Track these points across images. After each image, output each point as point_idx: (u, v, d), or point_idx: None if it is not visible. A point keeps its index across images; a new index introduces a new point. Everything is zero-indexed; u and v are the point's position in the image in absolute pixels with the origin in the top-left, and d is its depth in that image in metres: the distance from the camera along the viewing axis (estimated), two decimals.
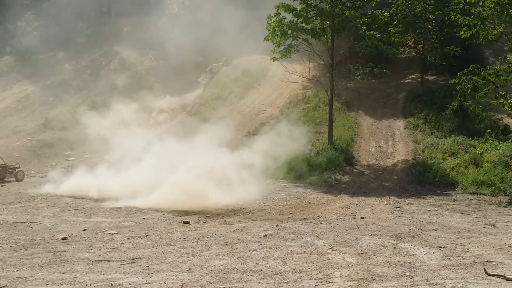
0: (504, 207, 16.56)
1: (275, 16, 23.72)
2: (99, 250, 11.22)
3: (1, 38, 44.18)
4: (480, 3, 19.48)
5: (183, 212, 15.85)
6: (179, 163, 18.31)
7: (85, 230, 13.67)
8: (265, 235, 12.28)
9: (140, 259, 10.30)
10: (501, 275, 8.51)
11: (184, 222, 14.46)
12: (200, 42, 41.61)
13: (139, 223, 14.63)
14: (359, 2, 24.20)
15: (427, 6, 29.19)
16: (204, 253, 10.64)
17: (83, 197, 18.81)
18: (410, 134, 26.26)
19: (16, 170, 25.42)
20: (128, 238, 12.42)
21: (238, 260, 10.00)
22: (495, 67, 19.92)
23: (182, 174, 17.42)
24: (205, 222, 14.51)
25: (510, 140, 22.13)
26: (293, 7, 23.57)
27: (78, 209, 16.91)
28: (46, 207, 17.52)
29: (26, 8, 47.51)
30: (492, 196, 18.25)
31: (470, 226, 13.26)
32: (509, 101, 19.87)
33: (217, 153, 19.12)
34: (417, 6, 29.27)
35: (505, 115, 21.36)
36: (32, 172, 27.36)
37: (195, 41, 41.75)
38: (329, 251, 10.68)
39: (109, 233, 13.23)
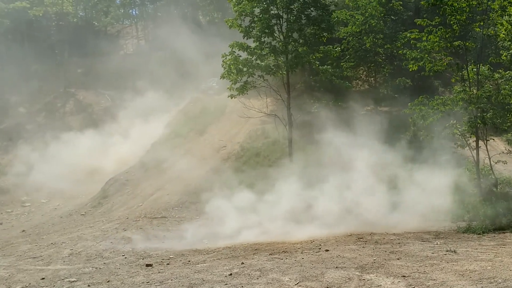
0: (463, 232, 16.97)
1: (230, 54, 24.11)
2: None
3: None
4: (424, 38, 20.46)
5: None
6: None
7: (43, 279, 13.19)
8: (231, 274, 12.14)
9: None
10: None
11: (147, 265, 14.15)
12: (158, 81, 41.77)
13: (99, 268, 14.23)
14: (310, 39, 24.92)
15: (376, 40, 30.35)
16: None
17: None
18: (369, 165, 26.66)
19: None
20: (89, 285, 12.04)
21: None
22: (441, 97, 20.82)
23: None
24: (168, 264, 14.25)
25: (465, 167, 22.80)
26: (247, 45, 24.04)
27: (35, 257, 16.31)
28: (2, 256, 16.82)
29: None
30: (452, 222, 18.67)
31: (432, 253, 13.51)
32: (460, 129, 20.70)
33: None
34: (367, 41, 30.39)
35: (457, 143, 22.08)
36: None
37: (152, 80, 41.91)
38: (295, 287, 10.64)
39: (69, 280, 12.80)
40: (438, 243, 15.21)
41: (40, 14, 49.03)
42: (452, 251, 13.52)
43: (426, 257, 13.01)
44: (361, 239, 16.38)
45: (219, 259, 14.53)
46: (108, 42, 54.69)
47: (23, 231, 22.43)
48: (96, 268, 14.29)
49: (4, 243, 19.26)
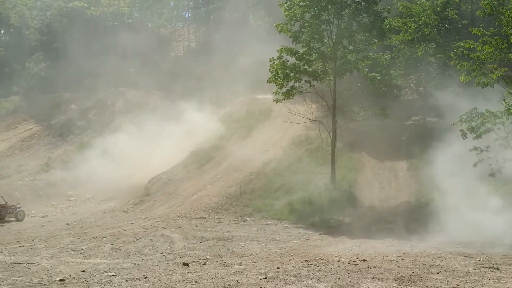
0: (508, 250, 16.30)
1: (277, 59, 24.03)
2: None
3: (8, 78, 45.05)
4: (479, 48, 19.74)
5: None
6: None
7: (83, 271, 13.48)
8: (266, 278, 12.05)
9: None
10: None
11: (184, 264, 14.25)
12: (206, 84, 42.24)
13: (138, 264, 14.43)
14: (360, 45, 24.55)
15: (428, 49, 29.56)
16: None
17: None
18: (413, 176, 26.10)
19: (17, 209, 25.36)
20: (127, 280, 12.21)
21: None
22: (493, 111, 20.06)
23: None
24: (205, 264, 14.30)
25: None
26: (296, 50, 23.91)
27: (77, 250, 16.73)
28: (45, 247, 17.34)
29: (34, 49, 48.64)
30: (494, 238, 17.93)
31: (474, 269, 12.99)
32: (511, 142, 19.87)
33: None
34: (419, 50, 29.63)
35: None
36: (33, 212, 27.28)
37: (200, 82, 42.39)
38: None
39: (108, 274, 13.03)
40: (481, 259, 14.63)
41: (97, 14, 50.61)
42: (494, 268, 12.96)
43: (467, 273, 12.51)
44: (400, 251, 15.98)
45: (255, 262, 14.48)
46: (160, 43, 55.85)
47: (67, 224, 23.10)
48: (135, 264, 14.51)
49: (48, 235, 19.89)
